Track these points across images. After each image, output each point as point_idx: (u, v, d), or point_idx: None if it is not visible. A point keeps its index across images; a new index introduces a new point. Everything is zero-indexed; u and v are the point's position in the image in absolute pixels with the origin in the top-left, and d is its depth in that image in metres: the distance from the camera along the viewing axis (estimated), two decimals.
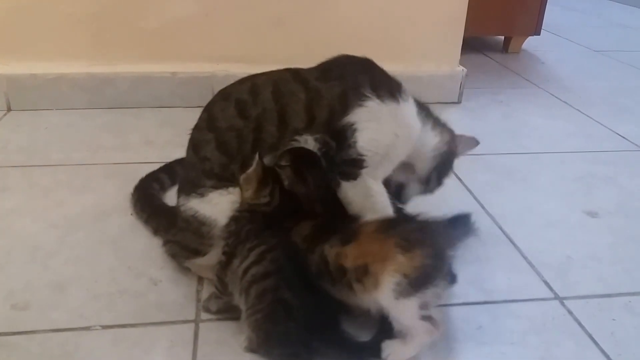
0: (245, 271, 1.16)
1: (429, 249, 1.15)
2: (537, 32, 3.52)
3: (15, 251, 1.47)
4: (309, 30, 2.40)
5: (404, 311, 1.12)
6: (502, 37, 3.68)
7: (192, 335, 1.21)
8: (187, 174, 1.37)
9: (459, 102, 2.64)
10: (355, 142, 1.27)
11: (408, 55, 2.53)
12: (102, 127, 2.23)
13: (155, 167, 1.76)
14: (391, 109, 1.30)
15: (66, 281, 1.36)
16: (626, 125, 2.44)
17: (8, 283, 1.35)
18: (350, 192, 1.30)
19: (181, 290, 1.35)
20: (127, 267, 1.42)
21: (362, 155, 1.27)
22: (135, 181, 1.69)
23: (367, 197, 1.31)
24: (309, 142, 1.27)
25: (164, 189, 1.72)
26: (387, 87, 1.32)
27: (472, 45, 3.54)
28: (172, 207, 1.49)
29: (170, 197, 1.66)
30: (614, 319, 1.32)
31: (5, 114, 2.30)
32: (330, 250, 1.20)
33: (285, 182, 1.24)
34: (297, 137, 1.27)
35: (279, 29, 2.39)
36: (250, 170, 1.23)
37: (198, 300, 1.31)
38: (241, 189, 1.26)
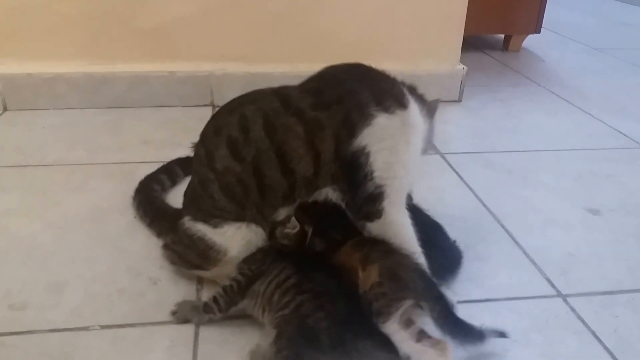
0: (268, 284, 1.15)
1: (383, 268, 1.13)
2: (537, 31, 3.51)
3: (12, 251, 1.46)
4: (307, 29, 2.39)
5: (388, 331, 1.09)
6: (502, 36, 3.67)
7: (193, 334, 1.20)
8: (195, 199, 1.31)
9: (459, 100, 2.63)
10: (372, 172, 1.19)
11: (408, 54, 2.52)
12: (99, 127, 2.22)
13: (154, 166, 1.75)
14: (401, 118, 1.22)
15: (64, 281, 1.35)
16: (627, 123, 2.43)
17: (5, 283, 1.34)
18: (376, 232, 1.24)
19: (181, 290, 1.34)
20: (126, 267, 1.41)
21: (381, 185, 1.21)
22: (133, 181, 1.67)
23: (395, 234, 1.23)
24: (329, 194, 1.23)
25: (164, 189, 1.71)
26: (391, 93, 1.24)
27: (472, 43, 3.53)
28: (176, 210, 1.48)
29: (172, 198, 1.67)
30: (617, 316, 1.31)
31: (1, 114, 2.30)
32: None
33: (317, 249, 1.22)
34: (316, 192, 1.22)
35: (278, 28, 2.38)
36: (292, 231, 1.21)
37: (198, 299, 1.30)
38: (275, 235, 1.24)
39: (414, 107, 1.26)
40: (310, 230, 1.21)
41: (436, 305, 1.12)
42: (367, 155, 1.19)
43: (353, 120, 1.20)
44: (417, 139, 1.27)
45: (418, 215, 1.33)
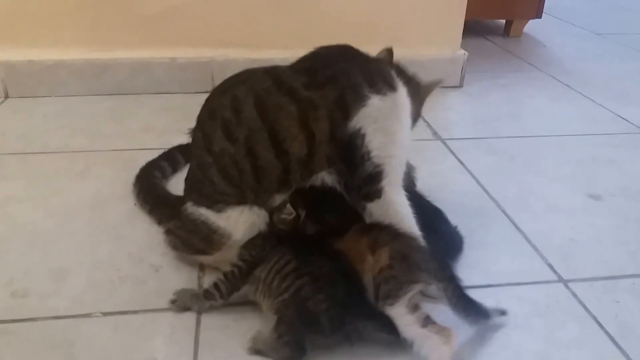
0: (269, 270, 1.16)
1: (394, 251, 1.14)
2: (538, 16, 3.49)
3: (14, 239, 1.46)
4: (309, 15, 2.39)
5: (394, 314, 1.10)
6: (504, 21, 3.65)
7: (194, 321, 1.20)
8: (196, 185, 1.31)
9: (460, 86, 2.62)
10: (369, 153, 1.21)
11: (409, 39, 2.51)
12: (101, 114, 2.21)
13: (155, 153, 1.75)
14: (392, 100, 1.24)
15: (66, 268, 1.35)
16: (629, 108, 2.43)
17: (7, 270, 1.34)
18: (377, 212, 1.24)
19: (182, 276, 1.34)
20: (128, 254, 1.41)
21: (379, 165, 1.22)
22: (135, 168, 1.67)
23: (395, 213, 1.24)
24: (325, 178, 1.23)
25: (165, 177, 1.70)
26: (381, 76, 1.26)
27: (473, 29, 3.52)
28: (176, 197, 1.48)
29: (172, 185, 1.66)
30: (618, 301, 1.31)
31: (2, 101, 2.29)
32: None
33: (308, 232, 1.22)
34: (313, 177, 1.23)
35: (279, 14, 2.38)
36: (288, 217, 1.21)
37: (200, 286, 1.30)
38: (273, 221, 1.24)
39: (402, 89, 1.28)
40: (303, 214, 1.22)
41: (449, 284, 1.13)
42: (363, 136, 1.20)
43: (347, 101, 1.21)
44: (407, 119, 1.29)
45: (418, 201, 1.33)
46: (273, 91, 1.22)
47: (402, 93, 1.27)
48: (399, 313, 1.09)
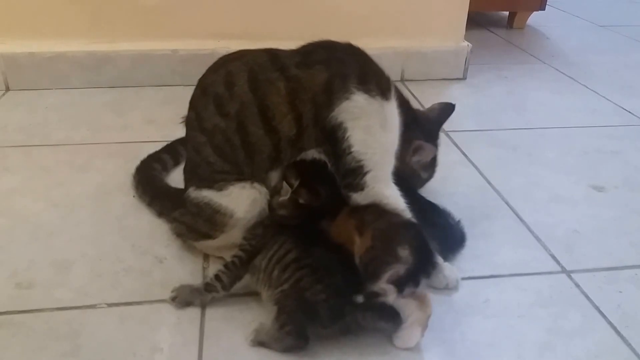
0: (269, 260, 1.16)
1: (377, 231, 1.15)
2: (541, 8, 3.48)
3: (18, 230, 1.46)
4: (311, 5, 2.38)
5: (377, 289, 1.11)
6: (507, 13, 3.65)
7: (199, 311, 1.21)
8: (195, 169, 1.32)
9: (464, 78, 2.62)
10: (350, 147, 1.20)
11: (412, 31, 2.51)
12: (102, 106, 2.21)
13: (157, 145, 1.75)
14: (380, 104, 1.23)
15: (70, 260, 1.36)
16: (632, 100, 2.42)
17: (11, 262, 1.34)
18: (362, 202, 1.24)
19: (187, 267, 1.34)
20: (132, 245, 1.41)
21: (360, 160, 1.21)
22: (137, 160, 1.67)
23: (383, 206, 1.24)
24: (315, 156, 1.23)
25: (166, 169, 1.70)
26: (378, 80, 1.25)
27: (476, 20, 3.51)
28: (176, 190, 1.48)
29: (173, 178, 1.66)
30: (620, 291, 1.32)
31: (3, 94, 2.29)
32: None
33: (301, 200, 1.21)
34: (302, 154, 1.23)
35: (282, 4, 2.37)
36: (285, 199, 1.21)
37: (204, 277, 1.30)
38: (272, 207, 1.24)
39: (393, 104, 1.27)
40: (296, 183, 1.21)
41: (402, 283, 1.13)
42: (345, 130, 1.20)
43: (333, 89, 1.21)
44: (394, 131, 1.28)
45: (412, 197, 1.32)
46: (267, 66, 1.23)
47: (391, 107, 1.27)
48: (382, 288, 1.10)
